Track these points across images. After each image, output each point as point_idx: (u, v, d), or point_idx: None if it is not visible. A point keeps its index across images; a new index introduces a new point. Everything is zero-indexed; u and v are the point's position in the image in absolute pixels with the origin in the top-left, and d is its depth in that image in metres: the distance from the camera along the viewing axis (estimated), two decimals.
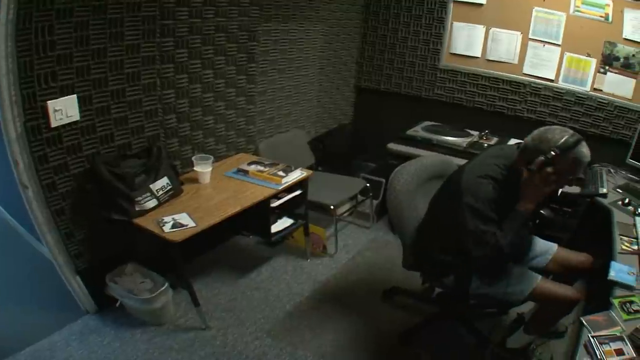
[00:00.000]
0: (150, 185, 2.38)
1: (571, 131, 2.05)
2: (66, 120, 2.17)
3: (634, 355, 1.67)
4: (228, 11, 2.81)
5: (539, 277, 2.30)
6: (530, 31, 3.69)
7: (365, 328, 2.71)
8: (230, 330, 2.59)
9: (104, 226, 2.37)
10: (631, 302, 1.92)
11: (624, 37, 3.45)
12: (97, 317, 2.59)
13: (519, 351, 2.51)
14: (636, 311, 1.88)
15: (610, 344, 1.71)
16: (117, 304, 2.53)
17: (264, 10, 3.07)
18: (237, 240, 3.46)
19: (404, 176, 2.41)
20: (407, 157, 2.75)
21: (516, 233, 2.08)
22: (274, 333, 2.60)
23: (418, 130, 3.74)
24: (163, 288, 2.43)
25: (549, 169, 2.01)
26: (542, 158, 1.99)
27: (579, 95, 3.67)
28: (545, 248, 2.58)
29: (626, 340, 1.73)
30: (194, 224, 2.29)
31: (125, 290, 2.45)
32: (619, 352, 1.67)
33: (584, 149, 2.02)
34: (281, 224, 3.06)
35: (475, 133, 3.72)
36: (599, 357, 1.64)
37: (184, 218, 2.33)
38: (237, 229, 3.30)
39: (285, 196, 2.92)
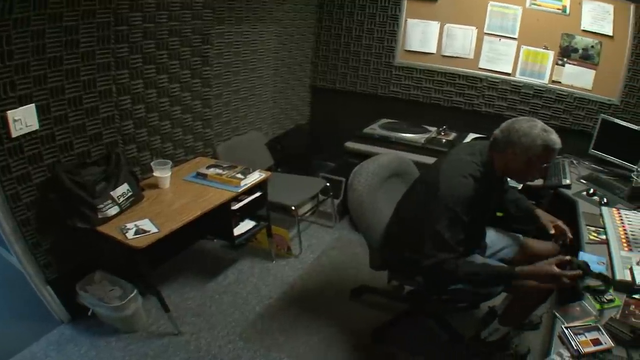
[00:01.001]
0: (111, 193, 2.48)
1: (538, 121, 2.17)
2: (26, 130, 2.26)
3: (612, 344, 1.72)
4: (181, 15, 2.94)
5: (513, 269, 2.28)
6: (486, 26, 3.90)
7: (337, 327, 2.84)
8: (202, 334, 2.71)
9: (70, 235, 2.46)
10: (603, 292, 1.99)
11: (582, 28, 3.66)
12: (71, 327, 2.68)
13: (495, 344, 2.61)
14: (609, 300, 1.95)
15: (586, 334, 1.76)
16: (89, 313, 2.63)
17: (216, 13, 3.20)
18: (202, 244, 3.58)
19: (363, 176, 2.49)
20: (365, 156, 2.87)
21: (483, 277, 2.16)
22: (246, 336, 2.72)
23: (375, 128, 3.92)
24: (132, 295, 2.53)
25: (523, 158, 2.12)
26: (513, 148, 2.11)
27: (537, 87, 3.89)
28: (511, 240, 2.69)
29: (602, 330, 1.78)
30: (156, 230, 2.39)
31: (95, 298, 2.55)
32: (596, 342, 1.72)
33: (553, 136, 2.13)
34: (244, 227, 3.18)
35: (433, 129, 3.92)
36: (574, 347, 1.69)
37: (146, 224, 2.44)
38: (201, 233, 3.41)
39: (246, 198, 3.03)
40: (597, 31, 3.64)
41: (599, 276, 2.04)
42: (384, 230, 2.49)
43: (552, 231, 2.54)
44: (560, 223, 2.57)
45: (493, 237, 2.68)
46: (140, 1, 2.64)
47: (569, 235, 2.52)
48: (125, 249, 2.32)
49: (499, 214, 2.99)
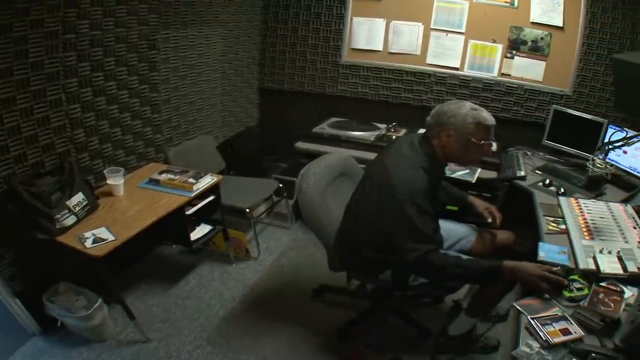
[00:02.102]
0: (67, 202, 2.57)
1: (467, 102, 2.29)
2: None
3: (582, 333, 1.78)
4: (127, 21, 3.06)
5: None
6: (432, 21, 4.14)
7: (302, 328, 2.99)
8: (170, 340, 2.84)
9: (31, 246, 2.55)
10: (573, 280, 2.06)
11: (531, 20, 3.91)
12: (43, 338, 2.76)
13: (462, 337, 2.71)
14: (579, 289, 2.03)
15: (554, 324, 1.82)
16: (58, 324, 2.72)
17: (162, 18, 3.34)
18: (161, 250, 3.70)
19: (311, 178, 2.56)
20: (316, 155, 2.93)
21: (469, 271, 2.20)
22: (213, 340, 2.85)
23: (324, 128, 4.11)
24: (97, 304, 2.64)
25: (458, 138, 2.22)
26: (446, 129, 2.21)
27: (487, 81, 4.15)
28: (467, 231, 2.79)
29: (570, 320, 1.84)
30: (113, 238, 2.49)
31: (62, 309, 2.64)
32: (565, 332, 1.78)
33: (484, 113, 2.24)
34: (200, 231, 3.32)
35: (383, 126, 4.15)
36: (543, 338, 1.75)
37: (103, 232, 2.53)
38: (159, 239, 3.51)
39: (199, 203, 3.16)
40: (546, 23, 3.88)
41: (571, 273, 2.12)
42: (338, 231, 2.57)
43: (489, 219, 2.71)
44: (493, 209, 2.74)
45: (449, 229, 2.75)
46: (88, 9, 2.75)
47: (497, 222, 2.69)
48: (85, 258, 2.40)
49: (452, 207, 3.14)
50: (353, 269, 2.73)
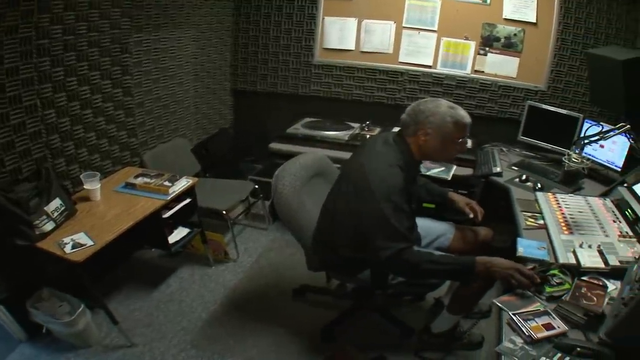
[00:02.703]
0: (45, 208, 2.61)
1: (442, 99, 2.34)
2: None
3: (566, 328, 1.79)
4: (100, 25, 3.10)
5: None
6: (404, 20, 4.24)
7: (284, 329, 3.06)
8: (155, 344, 2.89)
9: (12, 253, 2.57)
10: (553, 275, 2.08)
11: (504, 17, 4.02)
12: (31, 345, 2.80)
13: (446, 335, 2.78)
14: (559, 283, 2.04)
15: (536, 319, 1.82)
16: (44, 330, 2.76)
17: (134, 21, 3.39)
18: (141, 254, 3.74)
19: (287, 179, 2.61)
20: (290, 156, 2.96)
21: (442, 267, 2.24)
22: (197, 343, 2.92)
23: (298, 128, 4.18)
24: (80, 310, 2.68)
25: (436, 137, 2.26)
26: (424, 128, 2.25)
27: (460, 78, 4.26)
28: (445, 228, 2.84)
29: (552, 314, 1.86)
30: (92, 243, 2.54)
31: (46, 315, 2.69)
32: (549, 327, 1.79)
33: (461, 111, 2.29)
34: (178, 234, 3.37)
35: (357, 125, 4.23)
36: (526, 333, 1.75)
37: (82, 237, 2.58)
38: (139, 243, 3.56)
39: (176, 206, 3.21)
40: (519, 19, 3.99)
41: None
42: (315, 231, 2.61)
43: (471, 215, 2.76)
44: (474, 204, 2.79)
45: (427, 227, 2.80)
46: (61, 13, 2.80)
47: (479, 217, 2.73)
48: (66, 264, 2.45)
49: (429, 205, 3.20)
50: (332, 269, 2.78)
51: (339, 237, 2.46)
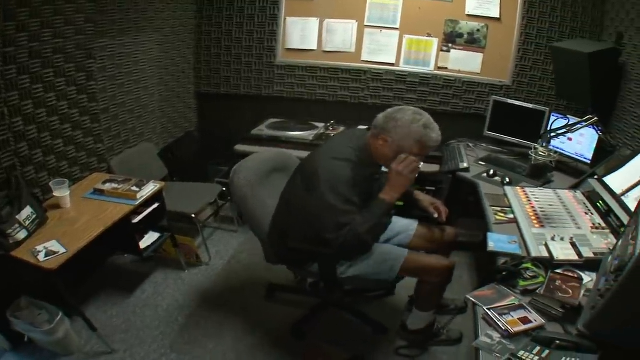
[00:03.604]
0: (17, 217, 2.64)
1: (425, 115, 2.39)
2: None
3: (543, 321, 1.82)
4: (64, 31, 3.14)
5: (406, 251, 2.60)
6: (366, 18, 4.36)
7: (261, 328, 3.16)
8: (135, 350, 2.94)
9: None
10: (526, 269, 2.13)
11: (467, 13, 4.15)
12: (15, 355, 2.83)
13: (423, 332, 2.88)
14: (532, 277, 2.08)
15: (512, 313, 1.85)
16: (26, 339, 2.79)
17: (98, 26, 3.43)
18: (114, 260, 3.79)
19: (243, 172, 2.75)
20: None
21: (378, 221, 2.40)
22: (176, 347, 2.98)
23: (263, 129, 4.27)
24: (58, 318, 2.72)
25: (404, 155, 2.35)
26: (386, 135, 2.35)
27: (424, 75, 4.39)
28: (406, 225, 2.91)
29: (528, 308, 1.89)
30: (64, 250, 2.59)
31: (26, 324, 2.72)
32: (525, 321, 1.81)
33: (434, 135, 2.38)
34: (149, 239, 3.44)
35: (321, 125, 4.33)
36: (502, 328, 1.77)
37: (54, 245, 2.62)
38: (111, 249, 3.60)
39: (145, 211, 3.27)
40: (482, 15, 4.13)
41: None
42: (271, 223, 2.73)
43: (435, 215, 2.80)
44: (438, 204, 2.85)
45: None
46: (26, 21, 2.83)
47: (443, 217, 2.78)
48: (41, 272, 2.49)
49: (398, 202, 3.28)
50: (285, 261, 2.86)
51: (290, 228, 2.60)
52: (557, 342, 1.66)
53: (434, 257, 2.64)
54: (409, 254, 2.59)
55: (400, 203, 3.03)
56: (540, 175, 3.32)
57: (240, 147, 4.04)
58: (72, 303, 2.83)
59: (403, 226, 2.91)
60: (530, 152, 3.34)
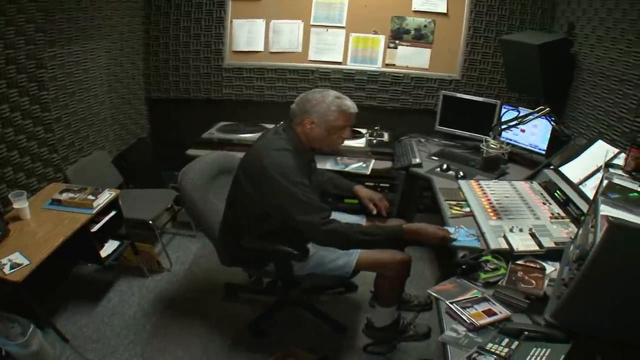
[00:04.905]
0: None
1: (331, 90, 2.57)
2: None
3: (509, 313, 1.85)
4: (15, 42, 3.19)
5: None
6: (312, 18, 4.48)
7: (227, 330, 3.27)
8: (108, 359, 3.02)
9: None
10: (486, 261, 2.17)
11: (413, 9, 4.28)
12: None
13: (389, 329, 2.93)
14: (494, 269, 2.12)
15: (475, 306, 1.87)
16: (3, 353, 2.80)
17: (48, 36, 3.48)
18: (78, 270, 3.84)
19: (189, 175, 2.88)
20: None
21: (351, 235, 2.45)
22: (147, 355, 3.07)
23: (213, 133, 4.34)
24: (31, 330, 2.76)
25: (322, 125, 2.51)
26: (309, 117, 2.50)
27: (371, 73, 4.53)
28: (353, 222, 2.82)
29: (492, 300, 1.91)
30: (28, 262, 2.66)
31: (2, 337, 2.74)
32: (490, 313, 1.84)
33: (347, 101, 2.53)
34: (109, 247, 3.52)
35: (271, 126, 4.30)
36: (467, 321, 1.80)
37: (18, 257, 2.69)
38: (74, 259, 3.66)
39: (103, 219, 3.35)
40: (429, 10, 4.27)
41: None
42: (220, 225, 2.85)
43: (374, 211, 2.90)
44: (377, 199, 2.94)
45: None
46: None
47: (383, 212, 2.90)
48: (8, 285, 2.56)
49: (353, 201, 3.27)
50: (240, 262, 2.95)
51: (243, 229, 2.70)
52: (526, 332, 1.70)
53: (388, 252, 2.69)
54: (363, 251, 2.69)
55: (355, 201, 3.21)
56: (493, 167, 3.41)
57: (191, 152, 4.08)
58: (42, 315, 2.91)
59: (353, 222, 2.84)
60: (481, 145, 3.43)
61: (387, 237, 2.54)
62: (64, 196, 3.27)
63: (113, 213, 3.46)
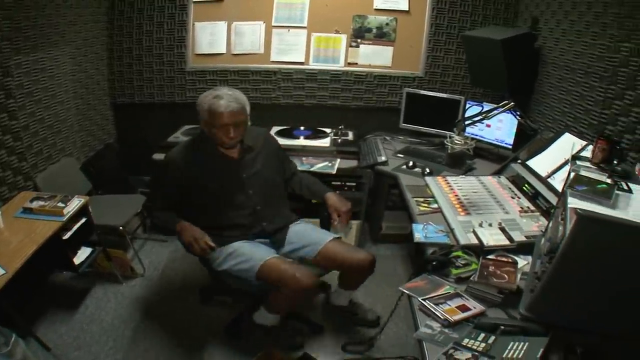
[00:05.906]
0: None
1: (222, 89, 2.79)
2: None
3: (483, 307, 1.87)
4: None
5: (272, 256, 2.74)
6: (274, 19, 4.57)
7: (205, 333, 3.34)
8: None
9: None
10: (457, 257, 2.20)
11: (375, 7, 4.37)
12: None
13: (267, 328, 3.06)
14: (465, 264, 2.15)
15: (448, 302, 1.89)
16: None
17: (13, 43, 3.52)
18: (53, 278, 3.88)
19: None
20: None
21: (158, 221, 3.06)
22: None
23: (178, 137, 4.41)
24: (13, 339, 2.78)
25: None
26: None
27: (334, 72, 4.64)
28: (318, 238, 2.94)
29: (465, 296, 1.93)
30: (3, 272, 2.69)
31: None
32: (464, 308, 1.86)
33: (221, 101, 2.71)
34: (82, 255, 3.57)
35: None
36: (441, 317, 1.81)
37: None
38: (49, 267, 3.70)
39: (74, 226, 3.40)
40: (391, 8, 4.37)
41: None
42: None
43: (335, 222, 2.94)
44: (342, 210, 2.95)
45: (300, 233, 3.02)
46: None
47: (339, 227, 2.96)
48: None
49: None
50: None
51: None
52: (502, 327, 1.74)
53: (300, 271, 2.64)
54: (273, 259, 2.71)
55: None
56: (459, 163, 3.48)
57: (157, 156, 4.11)
58: (22, 324, 2.95)
59: (314, 239, 2.97)
60: (445, 142, 3.47)
61: (167, 226, 2.92)
62: (35, 204, 3.30)
63: (84, 220, 3.50)
